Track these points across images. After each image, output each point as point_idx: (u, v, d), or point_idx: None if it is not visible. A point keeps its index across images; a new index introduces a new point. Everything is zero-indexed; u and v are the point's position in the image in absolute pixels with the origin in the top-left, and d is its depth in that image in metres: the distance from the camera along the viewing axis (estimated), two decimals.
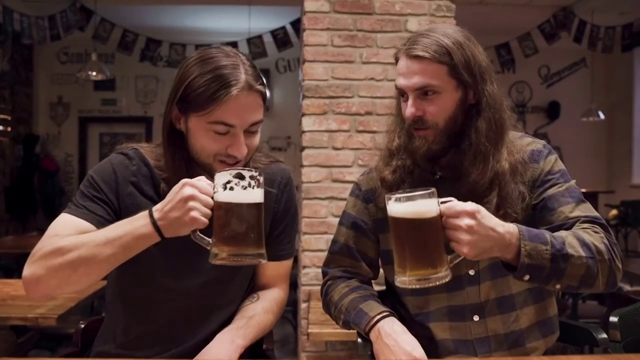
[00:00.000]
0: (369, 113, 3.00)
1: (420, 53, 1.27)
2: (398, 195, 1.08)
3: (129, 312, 1.36)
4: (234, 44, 6.20)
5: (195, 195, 1.09)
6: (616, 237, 7.25)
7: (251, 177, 1.09)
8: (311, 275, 2.96)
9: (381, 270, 1.50)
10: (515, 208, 1.28)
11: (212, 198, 1.10)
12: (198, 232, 1.11)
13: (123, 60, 6.77)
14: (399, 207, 1.07)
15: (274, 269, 1.43)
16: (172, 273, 1.31)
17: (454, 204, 1.08)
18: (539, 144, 1.39)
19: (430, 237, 1.07)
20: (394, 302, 1.47)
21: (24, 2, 6.05)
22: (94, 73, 5.70)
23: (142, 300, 1.34)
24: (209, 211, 1.09)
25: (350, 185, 1.53)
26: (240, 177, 1.09)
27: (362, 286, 1.42)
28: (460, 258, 1.11)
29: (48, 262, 1.15)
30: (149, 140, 7.45)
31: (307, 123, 2.99)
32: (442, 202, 1.09)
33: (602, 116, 7.20)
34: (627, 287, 4.19)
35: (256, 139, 1.29)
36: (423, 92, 1.27)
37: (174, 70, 5.96)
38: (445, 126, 1.28)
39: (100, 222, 1.23)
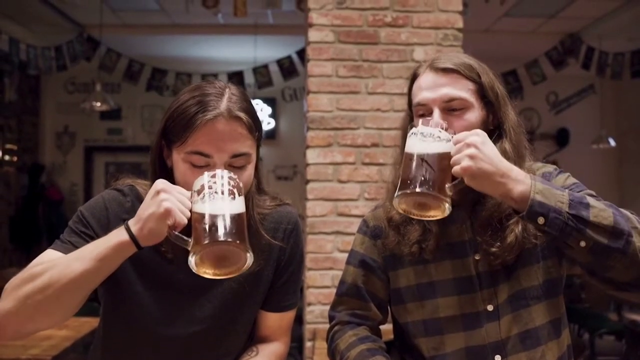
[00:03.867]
0: (375, 145, 2.93)
1: (450, 66, 1.24)
2: (415, 131, 1.14)
3: None
4: (239, 73, 6.23)
5: (167, 189, 1.04)
6: None
7: (230, 179, 1.06)
8: (316, 313, 2.86)
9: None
10: (536, 231, 1.22)
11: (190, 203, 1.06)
12: (176, 232, 1.04)
13: (129, 89, 6.79)
14: (415, 141, 1.13)
15: (277, 321, 1.33)
16: (163, 320, 1.22)
17: (465, 132, 1.12)
18: (549, 167, 1.35)
19: (439, 166, 1.10)
20: (404, 351, 1.37)
21: (31, 32, 6.09)
22: (98, 103, 5.68)
23: (127, 348, 1.24)
24: (185, 208, 1.03)
25: (357, 220, 1.47)
26: (216, 177, 1.05)
27: (370, 337, 1.33)
28: (460, 182, 1.10)
29: (18, 292, 1.05)
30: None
31: (312, 155, 2.92)
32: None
33: (612, 143, 7.11)
34: None
35: (244, 177, 1.15)
36: (449, 108, 1.22)
37: None
38: None
39: None
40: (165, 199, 1.02)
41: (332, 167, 2.91)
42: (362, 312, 1.37)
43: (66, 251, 1.13)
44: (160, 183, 1.05)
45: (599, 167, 7.93)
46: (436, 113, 1.22)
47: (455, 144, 1.11)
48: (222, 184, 1.04)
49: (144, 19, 6.00)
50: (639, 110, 7.62)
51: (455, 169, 1.09)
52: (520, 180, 1.08)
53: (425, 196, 1.09)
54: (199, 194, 1.04)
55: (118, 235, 1.05)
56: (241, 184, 1.07)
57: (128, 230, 1.04)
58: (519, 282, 1.24)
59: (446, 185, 1.10)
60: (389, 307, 1.40)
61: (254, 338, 1.34)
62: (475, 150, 1.07)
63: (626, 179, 7.96)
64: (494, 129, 1.27)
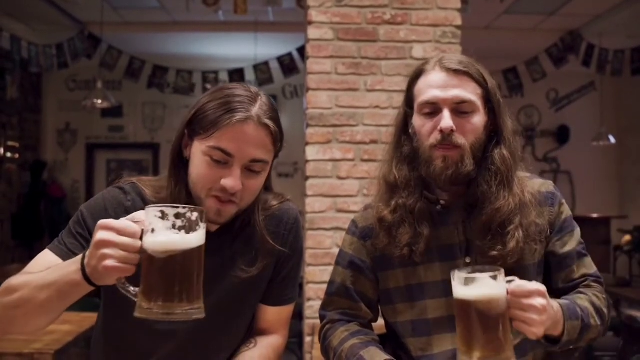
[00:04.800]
0: (374, 142, 2.95)
1: (462, 68, 1.25)
2: (465, 276, 1.01)
3: (112, 357, 1.29)
4: (240, 70, 6.24)
5: (109, 241, 0.94)
6: (630, 264, 7.15)
7: (184, 215, 0.92)
8: (316, 308, 2.87)
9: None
10: (536, 236, 1.26)
11: (142, 238, 0.95)
12: (124, 280, 0.96)
13: (130, 87, 6.81)
14: (466, 289, 1.01)
15: (276, 314, 1.36)
16: None
17: (524, 284, 1.05)
18: (550, 185, 1.37)
19: (498, 319, 1.01)
20: (395, 346, 1.39)
21: (32, 30, 6.11)
22: (100, 101, 5.70)
23: (128, 343, 1.27)
24: (132, 255, 0.94)
25: None
26: (170, 215, 0.92)
27: (362, 330, 1.35)
28: (522, 336, 1.13)
29: (0, 299, 1.09)
30: (156, 166, 7.39)
31: (311, 152, 2.94)
32: (508, 281, 1.04)
33: (612, 140, 7.11)
34: None
35: (257, 182, 1.19)
36: (459, 110, 1.23)
37: (180, 97, 6.01)
38: (472, 149, 1.24)
39: None
40: (106, 255, 0.94)
41: (332, 163, 2.93)
42: (352, 312, 1.38)
43: (61, 253, 1.16)
44: (101, 231, 0.96)
45: (599, 164, 7.95)
46: (447, 114, 1.22)
47: (516, 296, 1.04)
48: (175, 220, 0.93)
49: (145, 16, 6.02)
50: (639, 108, 7.63)
51: (522, 327, 1.06)
52: (559, 321, 1.14)
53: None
54: (149, 229, 0.93)
55: (75, 272, 1.01)
56: (197, 217, 0.95)
57: (83, 270, 1.00)
58: None
59: (512, 340, 1.05)
60: (379, 305, 1.42)
61: (253, 331, 1.37)
62: (546, 316, 1.05)
63: (626, 176, 7.98)
64: (493, 135, 1.29)
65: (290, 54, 5.78)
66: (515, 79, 6.33)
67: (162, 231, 0.92)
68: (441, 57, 1.29)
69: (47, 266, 1.12)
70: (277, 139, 1.19)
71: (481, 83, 1.26)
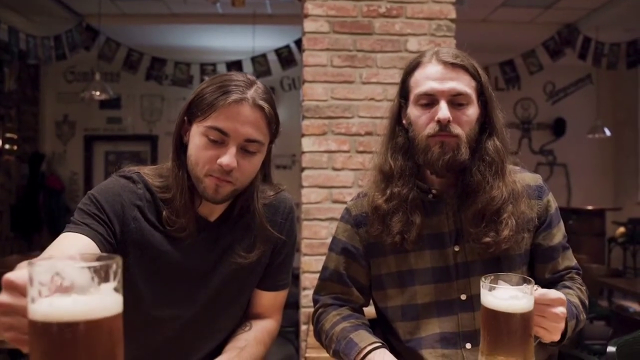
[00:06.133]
0: (368, 133, 2.98)
1: (458, 61, 1.29)
2: (497, 286, 1.02)
3: None
4: (238, 63, 6.26)
5: (7, 305, 0.72)
6: (624, 255, 7.19)
7: (84, 272, 0.63)
8: (311, 297, 2.92)
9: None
10: (524, 232, 1.31)
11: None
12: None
13: (128, 79, 6.82)
14: (498, 299, 1.02)
15: (271, 299, 1.41)
16: (159, 303, 1.27)
17: (547, 292, 1.08)
18: (538, 179, 1.41)
19: (525, 327, 1.03)
20: (385, 331, 1.44)
21: (30, 22, 6.12)
22: (98, 93, 5.72)
23: (126, 329, 1.30)
24: None
25: None
26: (68, 272, 0.62)
27: (353, 315, 1.40)
28: (539, 340, 1.13)
29: None
30: (154, 158, 7.36)
31: (307, 144, 2.98)
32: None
33: (608, 133, 7.15)
34: (635, 307, 4.12)
35: (252, 163, 1.23)
36: (455, 101, 1.27)
37: (179, 89, 6.00)
38: (467, 139, 1.28)
39: (101, 241, 1.15)
40: (8, 326, 0.74)
41: (327, 155, 2.97)
42: (344, 296, 1.43)
43: (82, 232, 1.13)
44: (2, 292, 0.74)
45: (595, 156, 8.00)
46: (444, 105, 1.26)
47: (539, 304, 1.07)
48: (74, 279, 0.62)
49: (143, 8, 6.03)
50: (635, 101, 7.67)
51: (540, 332, 1.11)
52: (564, 323, 1.17)
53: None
54: (34, 292, 0.62)
55: None
56: (113, 271, 0.68)
57: None
58: None
59: (533, 345, 1.07)
60: (370, 290, 1.46)
61: (248, 314, 1.41)
62: (563, 322, 1.11)
63: (621, 168, 8.02)
64: (485, 127, 1.33)
65: (288, 47, 5.80)
66: (512, 71, 6.36)
67: (54, 296, 0.62)
68: (437, 50, 1.33)
69: (74, 245, 1.07)
70: (272, 121, 1.23)
71: (475, 76, 1.30)
